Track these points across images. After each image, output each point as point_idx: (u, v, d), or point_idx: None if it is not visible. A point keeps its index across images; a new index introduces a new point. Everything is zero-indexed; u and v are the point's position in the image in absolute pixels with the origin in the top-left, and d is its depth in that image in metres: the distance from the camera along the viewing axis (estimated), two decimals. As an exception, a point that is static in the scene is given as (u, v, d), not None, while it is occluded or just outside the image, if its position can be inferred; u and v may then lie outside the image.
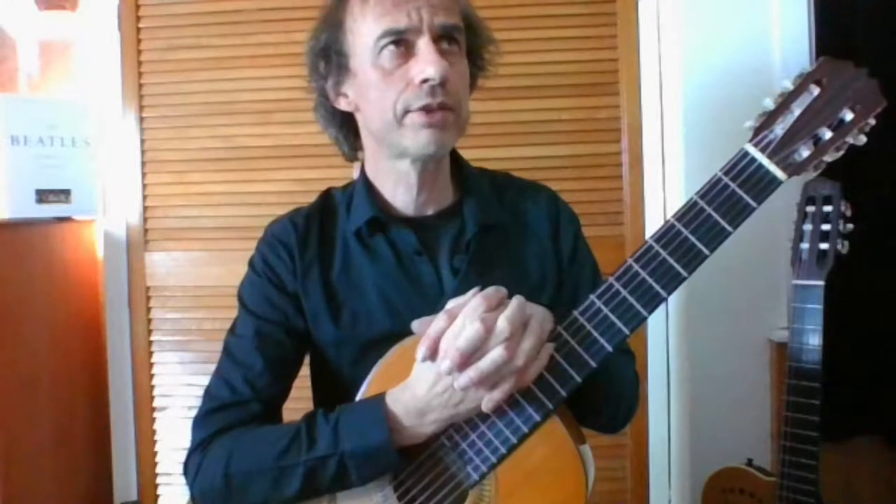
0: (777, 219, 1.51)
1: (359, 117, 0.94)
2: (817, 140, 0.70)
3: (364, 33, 0.86)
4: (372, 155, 0.96)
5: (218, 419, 0.89)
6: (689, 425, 1.76)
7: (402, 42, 0.84)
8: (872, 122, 0.70)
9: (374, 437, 0.78)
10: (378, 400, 0.80)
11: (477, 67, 0.95)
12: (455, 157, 0.99)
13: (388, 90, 0.85)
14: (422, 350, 0.74)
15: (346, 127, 0.97)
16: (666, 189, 1.78)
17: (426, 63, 0.83)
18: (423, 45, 0.83)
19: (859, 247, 1.32)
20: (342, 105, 0.93)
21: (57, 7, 1.90)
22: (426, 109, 0.84)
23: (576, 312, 0.75)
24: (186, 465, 0.89)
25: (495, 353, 0.71)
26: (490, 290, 0.75)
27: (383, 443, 0.78)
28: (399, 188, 0.93)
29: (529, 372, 0.74)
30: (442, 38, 0.85)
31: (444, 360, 0.72)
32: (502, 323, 0.71)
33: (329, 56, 0.90)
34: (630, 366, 0.98)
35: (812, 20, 1.69)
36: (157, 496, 1.90)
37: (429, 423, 0.78)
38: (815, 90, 0.70)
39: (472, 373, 0.71)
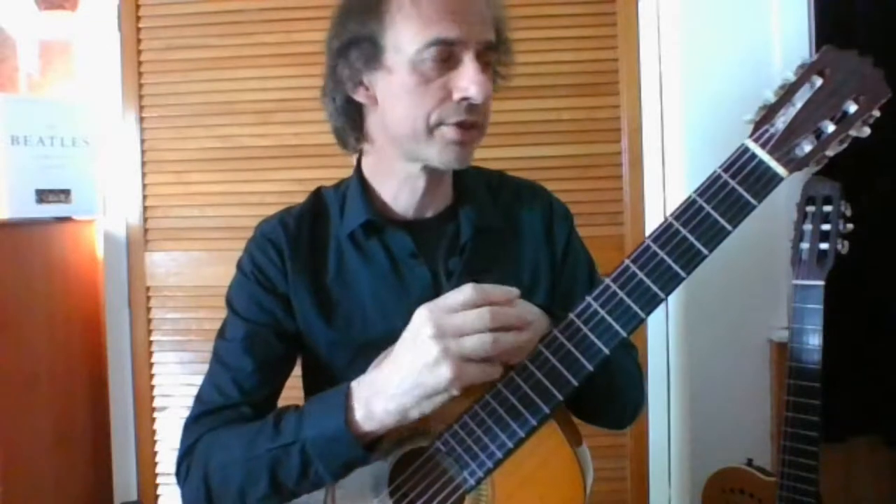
0: (777, 219, 1.51)
1: (373, 112, 0.90)
2: (819, 134, 0.67)
3: (412, 32, 0.81)
4: (378, 153, 0.93)
5: (206, 423, 0.87)
6: (689, 425, 1.76)
7: (448, 53, 0.81)
8: (877, 113, 0.66)
9: (330, 422, 0.74)
10: (344, 385, 0.77)
11: (499, 76, 0.94)
12: None
13: (424, 98, 0.82)
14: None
15: (355, 118, 0.92)
16: (666, 189, 1.77)
17: (471, 82, 0.81)
18: (468, 60, 0.81)
19: (859, 247, 1.32)
20: (359, 95, 0.88)
21: (57, 7, 1.90)
22: (461, 126, 0.83)
23: (572, 315, 0.73)
24: (177, 472, 0.87)
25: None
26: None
27: (339, 428, 0.74)
28: (403, 190, 0.92)
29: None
30: (483, 54, 0.83)
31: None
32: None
33: (362, 44, 0.84)
34: (633, 360, 0.97)
35: (812, 20, 1.69)
36: (157, 496, 1.89)
37: (391, 399, 0.72)
38: (818, 81, 0.67)
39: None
